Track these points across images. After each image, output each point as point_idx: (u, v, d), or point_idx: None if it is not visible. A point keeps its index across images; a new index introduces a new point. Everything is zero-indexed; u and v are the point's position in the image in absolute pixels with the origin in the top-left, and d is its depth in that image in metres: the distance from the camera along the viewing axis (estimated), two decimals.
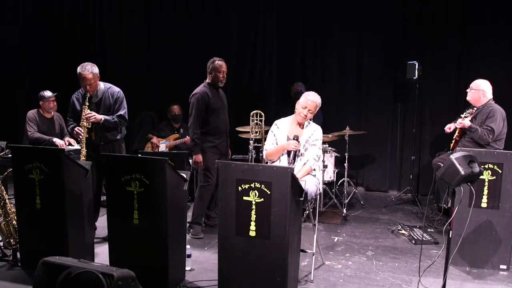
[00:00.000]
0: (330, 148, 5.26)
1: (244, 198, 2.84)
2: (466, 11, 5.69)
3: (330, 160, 5.28)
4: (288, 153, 3.55)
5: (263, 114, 5.27)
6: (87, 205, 3.52)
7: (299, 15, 6.34)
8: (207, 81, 4.33)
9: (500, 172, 3.53)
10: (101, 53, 6.93)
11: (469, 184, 2.82)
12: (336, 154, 5.41)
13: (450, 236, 2.87)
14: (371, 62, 6.12)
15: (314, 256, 3.46)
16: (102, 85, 4.14)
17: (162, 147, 5.75)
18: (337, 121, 5.90)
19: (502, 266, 3.59)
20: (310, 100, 3.54)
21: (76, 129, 4.05)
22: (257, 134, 5.23)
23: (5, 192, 3.63)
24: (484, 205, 3.57)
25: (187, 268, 3.45)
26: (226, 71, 4.33)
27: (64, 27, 7.14)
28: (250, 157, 5.24)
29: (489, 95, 4.40)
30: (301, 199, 2.97)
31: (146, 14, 6.85)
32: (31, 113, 5.42)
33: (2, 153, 3.96)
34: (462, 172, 2.66)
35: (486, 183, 3.55)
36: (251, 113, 5.29)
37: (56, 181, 3.30)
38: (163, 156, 3.32)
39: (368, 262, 3.76)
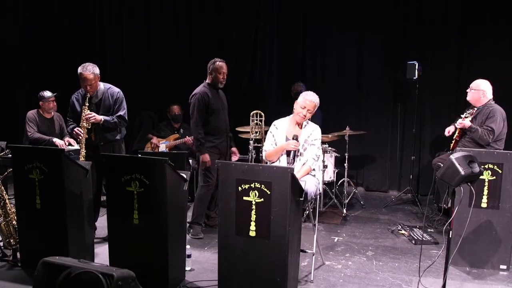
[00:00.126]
0: (330, 148, 5.26)
1: (244, 198, 2.84)
2: (466, 11, 5.69)
3: (330, 160, 5.28)
4: (288, 153, 3.55)
5: (263, 114, 5.27)
6: (87, 205, 3.52)
7: (299, 15, 6.34)
8: (207, 81, 4.33)
9: (500, 172, 3.53)
10: (101, 53, 6.93)
11: (469, 184, 2.82)
12: (336, 154, 5.42)
13: (450, 236, 2.87)
14: (371, 62, 6.12)
15: (314, 256, 3.46)
16: (102, 86, 4.14)
17: (162, 147, 5.75)
18: (337, 121, 5.90)
19: (502, 266, 3.59)
20: (308, 100, 3.55)
21: (75, 129, 4.05)
22: (257, 134, 5.23)
23: (5, 192, 3.63)
24: (484, 205, 3.57)
25: (187, 268, 3.45)
26: (227, 72, 4.33)
27: (64, 27, 7.14)
28: (250, 157, 5.24)
29: (489, 95, 4.40)
30: (301, 199, 2.97)
31: (146, 14, 6.85)
32: (31, 113, 5.42)
33: (2, 153, 3.96)
34: (462, 172, 2.66)
35: (486, 183, 3.55)
36: (251, 113, 5.29)
37: (56, 181, 3.30)
38: (163, 156, 3.32)
39: (368, 262, 3.76)
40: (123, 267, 2.32)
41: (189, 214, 4.20)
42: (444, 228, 3.10)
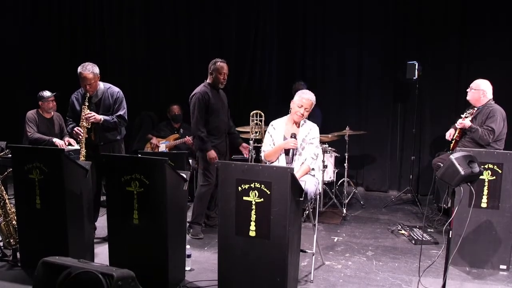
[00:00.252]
0: (330, 148, 5.26)
1: (244, 198, 2.84)
2: (466, 11, 5.69)
3: (330, 160, 5.28)
4: (287, 152, 3.55)
5: (263, 114, 5.27)
6: (87, 205, 3.52)
7: (299, 15, 6.34)
8: (207, 81, 4.33)
9: (500, 172, 3.53)
10: (101, 53, 6.93)
11: (469, 184, 2.82)
12: (336, 154, 5.42)
13: (450, 236, 2.87)
14: (371, 62, 6.12)
15: (314, 256, 3.46)
16: (101, 85, 4.14)
17: (162, 147, 5.75)
18: (337, 121, 5.90)
19: (502, 266, 3.59)
20: (305, 98, 3.55)
21: (75, 129, 4.05)
22: (257, 134, 5.22)
23: (5, 192, 3.63)
24: (484, 205, 3.57)
25: (187, 268, 3.45)
26: (227, 73, 4.33)
27: (64, 27, 7.14)
28: (250, 157, 5.24)
29: (489, 95, 4.40)
30: (301, 199, 2.97)
31: (146, 14, 6.85)
32: (31, 113, 5.42)
33: (2, 153, 3.96)
34: (462, 172, 2.66)
35: (486, 183, 3.55)
36: (251, 113, 5.29)
37: (56, 181, 3.30)
38: (163, 156, 3.33)
39: (368, 262, 3.76)
40: (123, 267, 2.31)
41: (189, 214, 4.20)
42: (444, 228, 3.10)
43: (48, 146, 5.09)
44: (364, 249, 4.06)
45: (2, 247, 3.68)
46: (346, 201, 5.29)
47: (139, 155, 4.06)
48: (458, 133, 4.53)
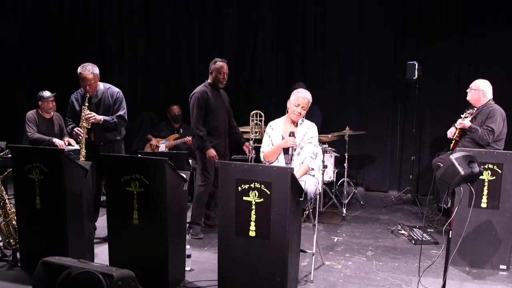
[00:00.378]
0: (330, 148, 5.26)
1: (244, 198, 2.84)
2: (466, 11, 5.69)
3: (330, 160, 5.28)
4: (286, 151, 3.55)
5: (263, 114, 5.26)
6: (87, 205, 3.52)
7: (299, 15, 6.34)
8: (208, 81, 4.34)
9: (500, 172, 3.53)
10: (101, 53, 6.93)
11: (469, 184, 2.82)
12: (336, 154, 5.41)
13: (450, 236, 2.87)
14: (371, 62, 6.12)
15: (314, 256, 3.46)
16: (101, 86, 4.14)
17: (162, 147, 5.75)
18: (337, 121, 5.90)
19: (502, 266, 3.59)
20: (301, 97, 3.55)
21: (75, 129, 4.05)
22: (257, 134, 5.22)
23: (5, 192, 3.63)
24: (484, 205, 3.57)
25: (187, 268, 3.45)
26: (227, 72, 4.32)
27: (64, 27, 7.14)
28: (250, 157, 5.24)
29: (489, 95, 4.40)
30: (301, 199, 2.97)
31: (146, 14, 6.85)
32: (30, 113, 5.42)
33: (2, 153, 3.96)
34: (462, 172, 2.66)
35: (486, 183, 3.55)
36: (251, 113, 5.29)
37: (56, 181, 3.30)
38: (163, 156, 3.32)
39: (368, 262, 3.76)
40: (123, 267, 2.32)
41: (188, 215, 4.20)
42: (444, 228, 3.10)
43: (48, 146, 5.09)
44: (364, 249, 4.06)
45: (2, 247, 3.68)
46: (346, 201, 5.29)
47: (139, 155, 4.06)
48: (458, 133, 4.53)
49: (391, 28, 6.00)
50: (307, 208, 4.19)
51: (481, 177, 3.42)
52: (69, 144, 5.34)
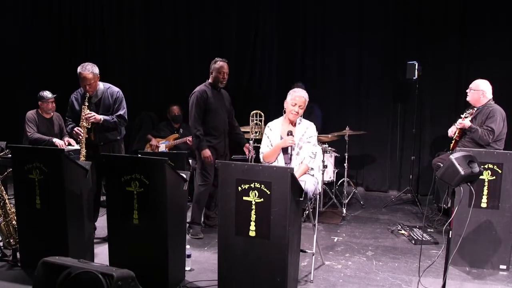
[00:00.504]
0: (330, 148, 5.26)
1: (244, 198, 2.84)
2: (466, 11, 5.70)
3: (330, 160, 5.28)
4: (285, 151, 3.55)
5: (263, 114, 5.27)
6: (87, 205, 3.52)
7: (299, 15, 6.34)
8: (209, 81, 4.34)
9: (500, 172, 3.53)
10: (101, 53, 6.93)
11: (469, 184, 2.82)
12: (336, 154, 5.41)
13: (450, 236, 2.87)
14: (371, 62, 6.12)
15: (314, 256, 3.46)
16: (101, 85, 4.14)
17: (162, 147, 5.75)
18: (337, 121, 5.91)
19: (502, 266, 3.59)
20: (298, 96, 3.56)
21: (75, 129, 4.05)
22: (257, 134, 5.23)
23: (5, 192, 3.63)
24: (484, 205, 3.57)
25: (187, 268, 3.45)
26: (228, 72, 4.32)
27: (64, 27, 7.14)
28: (250, 158, 5.24)
29: (489, 95, 4.40)
30: (301, 199, 2.97)
31: (146, 14, 6.85)
32: (30, 113, 5.42)
33: (2, 153, 3.96)
34: (462, 172, 2.66)
35: (486, 183, 3.55)
36: (251, 113, 5.29)
37: (56, 181, 3.30)
38: (163, 156, 3.32)
39: (368, 262, 3.76)
40: (123, 267, 2.31)
41: (189, 214, 4.20)
42: (444, 228, 3.10)
43: (48, 146, 5.09)
44: (364, 249, 4.06)
45: (2, 247, 3.68)
46: (346, 201, 5.29)
47: (139, 155, 4.06)
48: (458, 133, 4.53)
49: (391, 28, 6.00)
50: (307, 208, 4.19)
51: (481, 177, 3.42)
52: (69, 144, 5.34)
